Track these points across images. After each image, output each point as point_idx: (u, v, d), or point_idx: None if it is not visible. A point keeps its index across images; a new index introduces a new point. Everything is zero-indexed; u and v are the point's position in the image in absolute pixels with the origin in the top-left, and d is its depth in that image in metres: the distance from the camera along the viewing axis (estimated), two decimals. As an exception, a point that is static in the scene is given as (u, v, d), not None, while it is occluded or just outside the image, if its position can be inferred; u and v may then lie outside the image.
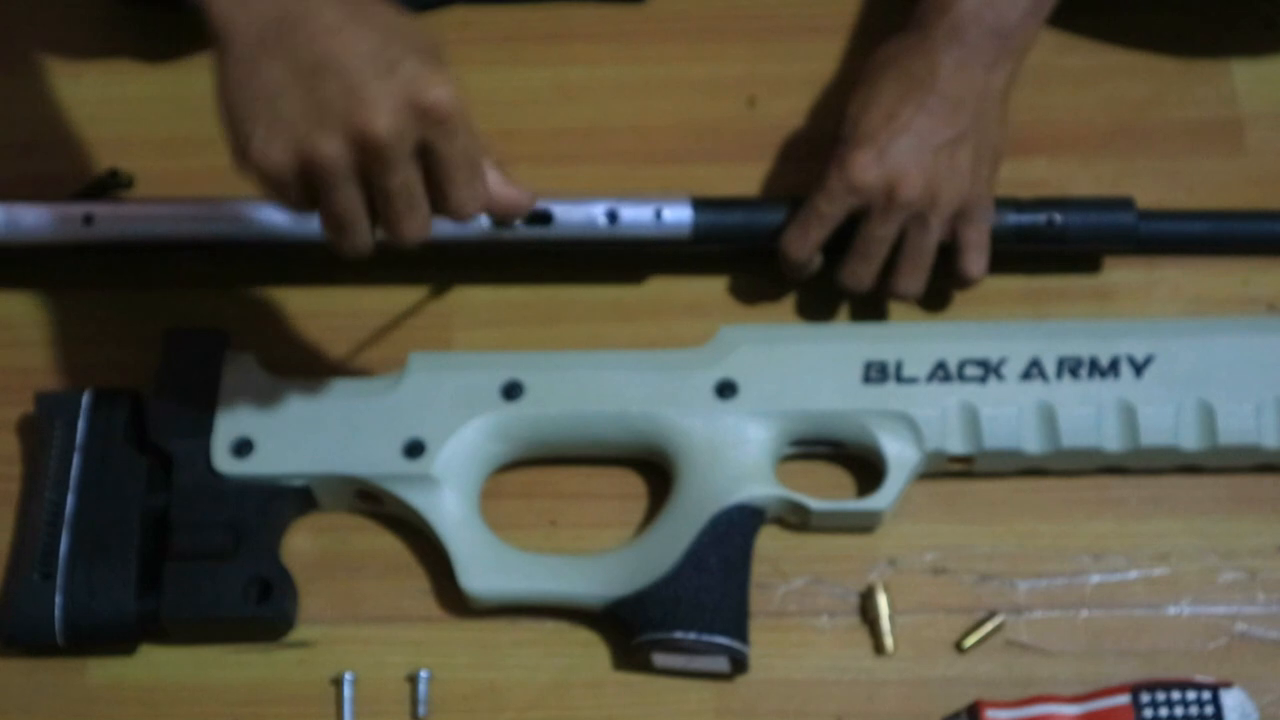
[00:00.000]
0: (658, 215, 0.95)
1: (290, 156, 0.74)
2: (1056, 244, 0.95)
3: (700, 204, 0.95)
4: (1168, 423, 0.89)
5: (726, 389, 0.90)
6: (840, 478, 0.93)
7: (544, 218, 0.94)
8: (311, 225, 0.93)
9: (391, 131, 0.73)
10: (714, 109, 1.05)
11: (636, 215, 0.95)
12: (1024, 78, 0.95)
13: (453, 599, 0.89)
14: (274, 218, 0.94)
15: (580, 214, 0.94)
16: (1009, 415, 0.89)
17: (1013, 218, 0.95)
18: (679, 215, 0.95)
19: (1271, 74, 1.05)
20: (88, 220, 0.95)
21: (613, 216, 0.94)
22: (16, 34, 1.09)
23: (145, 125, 1.05)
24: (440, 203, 0.77)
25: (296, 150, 0.74)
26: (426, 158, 0.75)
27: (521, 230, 0.93)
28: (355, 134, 0.73)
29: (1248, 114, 1.04)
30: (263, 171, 0.75)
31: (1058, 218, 0.95)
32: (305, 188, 0.76)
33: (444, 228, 0.80)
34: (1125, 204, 0.96)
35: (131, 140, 1.03)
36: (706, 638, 0.85)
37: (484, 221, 0.90)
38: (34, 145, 1.05)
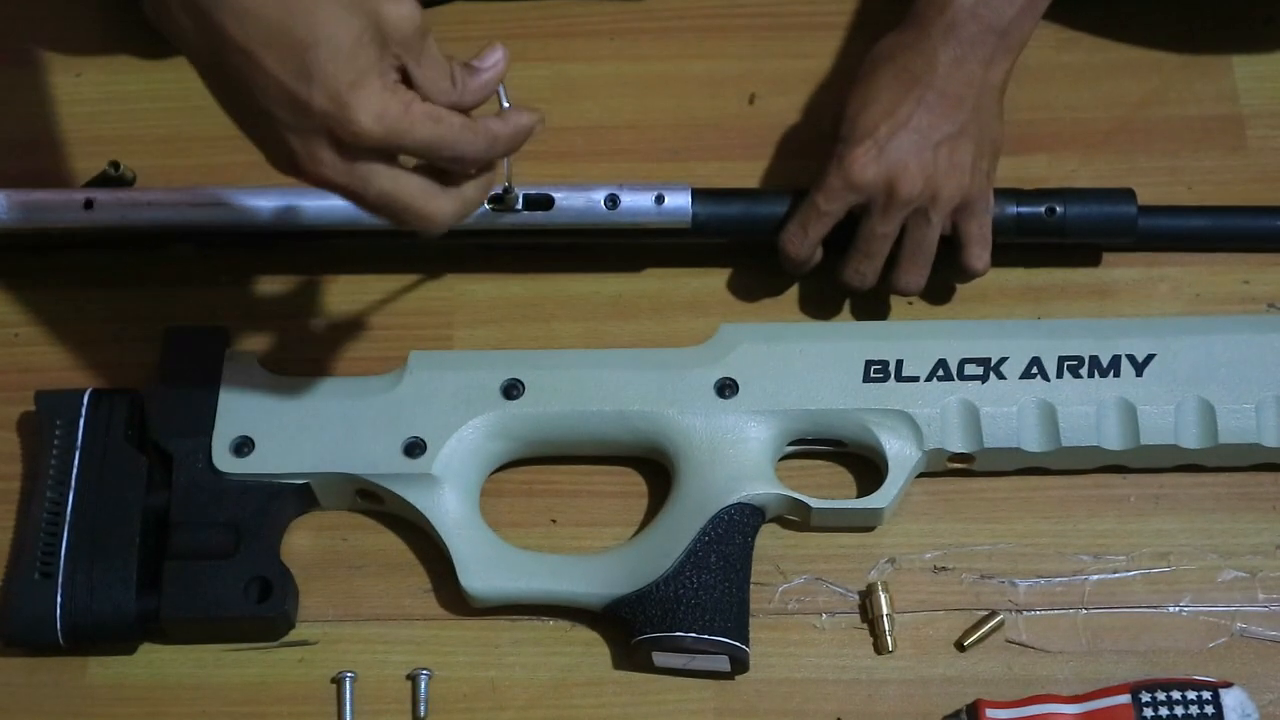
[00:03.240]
0: (658, 200, 0.95)
1: (302, 176, 0.73)
2: (1057, 235, 0.95)
3: (700, 193, 0.95)
4: (1168, 421, 0.89)
5: (726, 387, 0.90)
6: (840, 476, 0.93)
7: (545, 202, 0.94)
8: (313, 214, 0.94)
9: (336, 172, 0.71)
10: (714, 106, 1.05)
11: (637, 201, 0.95)
12: (1025, 75, 0.95)
13: (453, 598, 0.89)
14: (275, 205, 0.94)
15: (581, 199, 0.94)
16: (1009, 414, 0.89)
17: (1013, 209, 0.95)
18: (679, 201, 0.95)
19: (1273, 71, 1.05)
20: (88, 205, 0.95)
21: (613, 201, 0.94)
22: (16, 32, 1.09)
23: (146, 123, 1.05)
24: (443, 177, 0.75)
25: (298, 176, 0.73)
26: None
27: (523, 215, 0.93)
28: (310, 181, 0.72)
29: (1249, 111, 1.03)
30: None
31: (1058, 208, 0.95)
32: None
33: None
34: (1125, 194, 0.96)
35: (132, 138, 1.03)
36: (707, 637, 0.85)
37: (483, 206, 0.89)
38: (34, 143, 1.05)
